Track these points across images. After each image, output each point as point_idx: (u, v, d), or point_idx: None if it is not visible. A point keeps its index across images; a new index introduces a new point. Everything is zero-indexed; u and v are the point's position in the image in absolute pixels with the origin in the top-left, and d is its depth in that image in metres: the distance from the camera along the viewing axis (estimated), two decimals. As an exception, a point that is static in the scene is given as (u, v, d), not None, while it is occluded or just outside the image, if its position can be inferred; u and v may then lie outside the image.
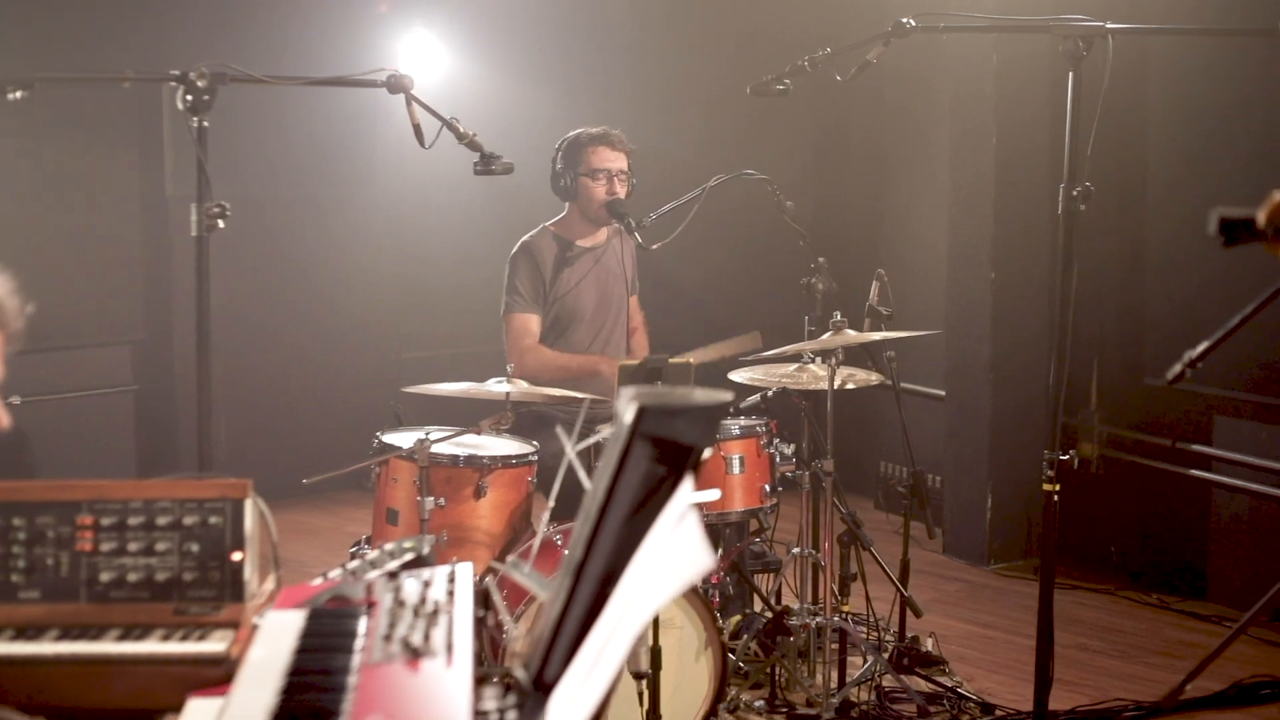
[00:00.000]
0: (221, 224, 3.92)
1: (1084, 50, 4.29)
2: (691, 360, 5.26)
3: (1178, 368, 2.78)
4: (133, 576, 3.11)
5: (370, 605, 2.58)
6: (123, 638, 2.99)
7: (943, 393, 7.29)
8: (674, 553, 2.10)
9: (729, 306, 7.90)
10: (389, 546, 3.03)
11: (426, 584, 2.63)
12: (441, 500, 4.71)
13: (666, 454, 2.29)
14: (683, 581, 2.08)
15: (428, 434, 4.72)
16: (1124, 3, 5.58)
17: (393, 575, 2.79)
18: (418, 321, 8.76)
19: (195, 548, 3.13)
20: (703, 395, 2.31)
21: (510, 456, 4.91)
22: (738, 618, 5.42)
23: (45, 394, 7.60)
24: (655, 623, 4.34)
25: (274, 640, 2.46)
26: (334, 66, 7.95)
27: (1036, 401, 6.65)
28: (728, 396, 2.36)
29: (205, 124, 3.84)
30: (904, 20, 4.46)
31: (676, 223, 5.25)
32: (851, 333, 4.88)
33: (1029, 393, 6.78)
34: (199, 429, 3.97)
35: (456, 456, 4.82)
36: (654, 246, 5.31)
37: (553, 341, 5.55)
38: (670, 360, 4.53)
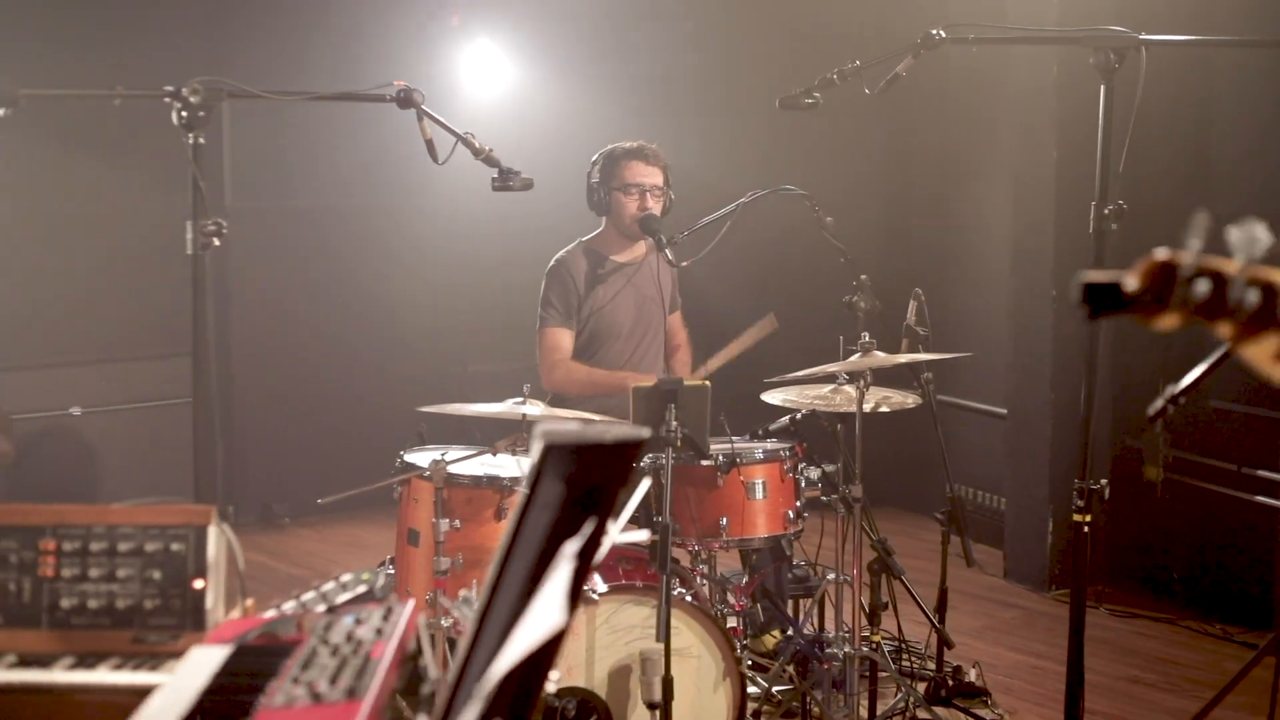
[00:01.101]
0: (217, 241, 3.85)
1: (1115, 63, 4.11)
2: (711, 367, 5.16)
3: (1159, 403, 2.61)
4: (93, 603, 3.06)
5: (299, 643, 2.49)
6: (74, 666, 2.94)
7: (1005, 411, 7.09)
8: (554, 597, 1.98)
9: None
10: (345, 578, 2.95)
11: (359, 622, 2.54)
12: (457, 522, 4.62)
13: (577, 494, 2.19)
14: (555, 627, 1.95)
15: (444, 454, 4.64)
16: (1188, 14, 5.39)
17: (333, 610, 2.71)
18: (485, 334, 8.70)
19: (157, 575, 3.08)
20: (617, 432, 2.20)
21: (535, 477, 4.81)
22: (778, 634, 5.30)
23: (106, 405, 7.64)
24: (668, 652, 4.23)
25: (188, 677, 2.38)
26: (395, 78, 8.03)
27: (1101, 421, 6.44)
28: (644, 433, 2.25)
29: (201, 140, 3.79)
30: (933, 32, 4.32)
31: (715, 239, 5.13)
32: (880, 354, 4.73)
33: (1094, 410, 6.56)
34: (194, 446, 3.92)
35: (478, 477, 4.73)
36: (684, 264, 5.20)
37: (589, 357, 5.46)
38: (685, 382, 4.40)
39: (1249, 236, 1.57)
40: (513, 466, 4.88)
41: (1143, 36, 4.10)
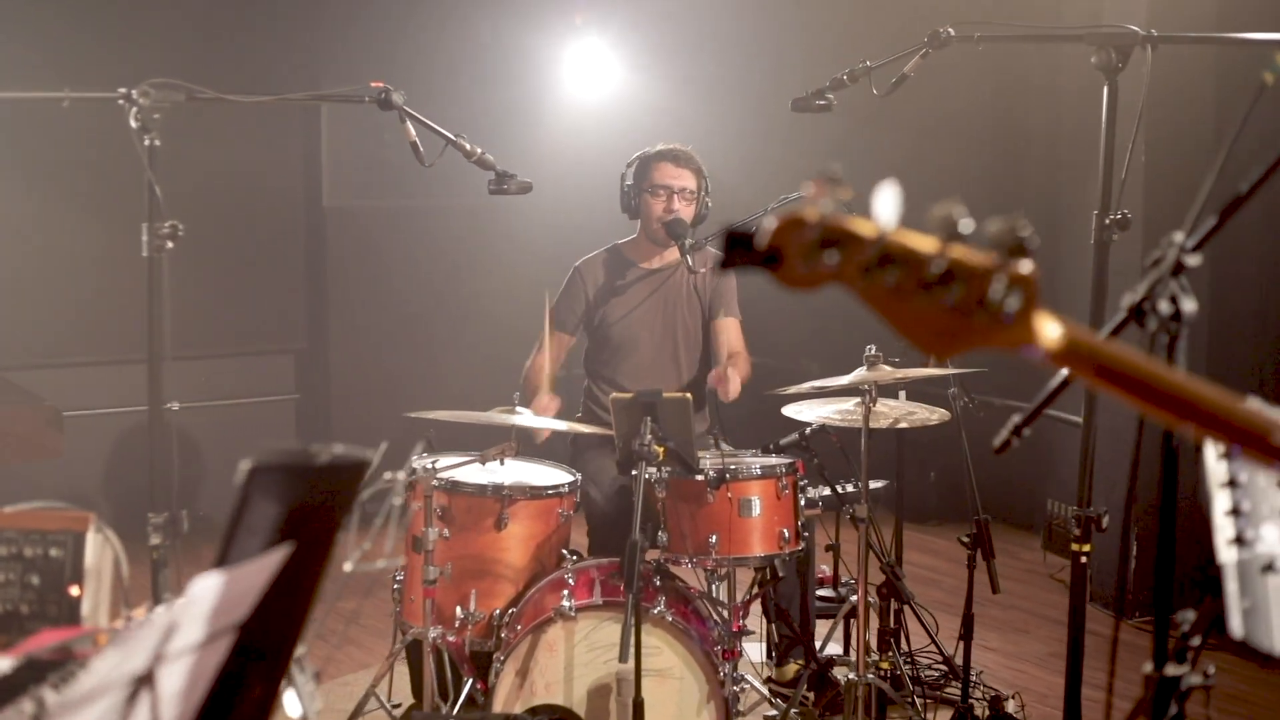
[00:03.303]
0: (171, 245, 3.82)
1: (1119, 62, 3.85)
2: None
3: (1005, 434, 2.40)
4: (-27, 607, 3.05)
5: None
6: (-65, 671, 2.92)
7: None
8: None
9: (811, 331, 7.64)
10: (198, 591, 2.88)
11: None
12: (446, 532, 4.55)
13: (293, 517, 2.09)
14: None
15: (434, 462, 4.57)
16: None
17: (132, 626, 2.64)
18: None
19: (35, 580, 3.05)
20: (330, 454, 2.09)
21: (541, 487, 4.72)
22: (801, 663, 5.11)
23: (204, 400, 7.75)
24: (638, 673, 4.09)
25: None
26: (505, 76, 8.01)
27: (1189, 449, 6.09)
28: (368, 455, 2.13)
29: (157, 143, 3.75)
30: (940, 30, 4.12)
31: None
32: (886, 368, 4.52)
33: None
34: (150, 451, 3.89)
35: (482, 486, 4.66)
36: (701, 270, 5.05)
37: (614, 368, 5.33)
38: (665, 395, 4.26)
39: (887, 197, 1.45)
40: (529, 474, 4.82)
41: (1150, 34, 3.83)
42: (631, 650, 4.04)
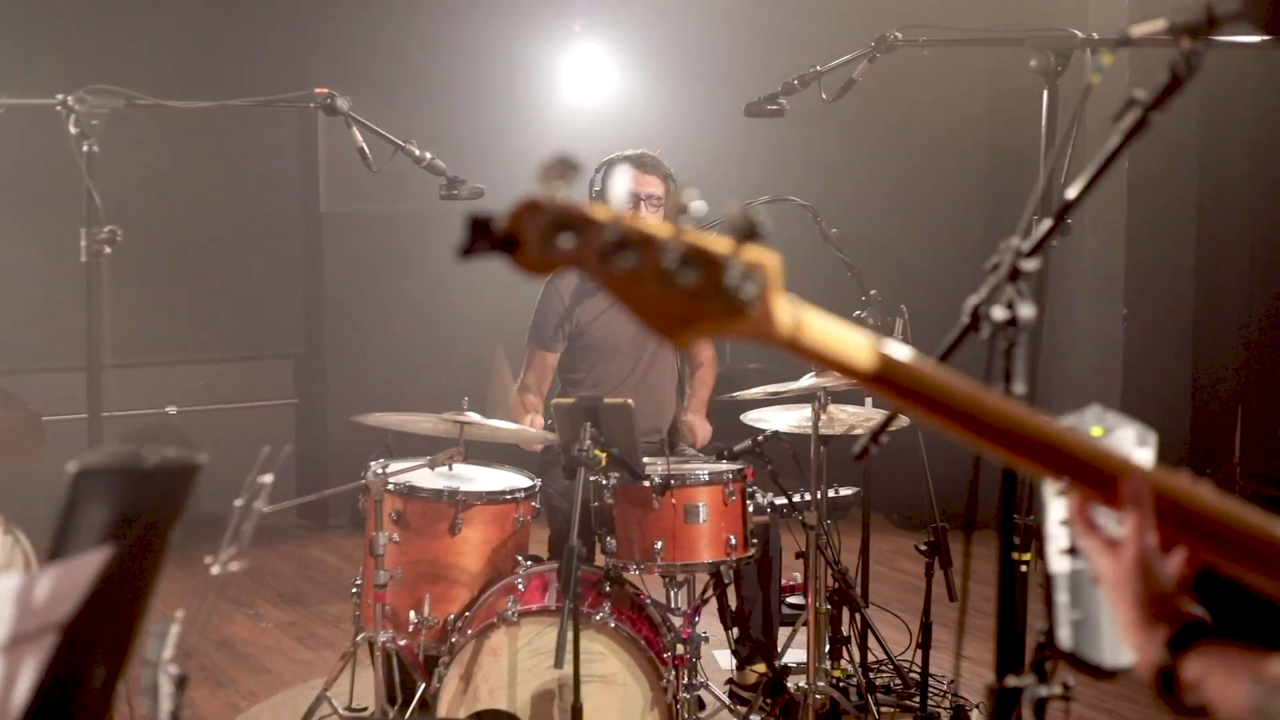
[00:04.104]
0: (109, 250, 3.83)
1: (1058, 66, 3.81)
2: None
3: (864, 440, 2.38)
4: (-121, 609, 3.07)
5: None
6: None
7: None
8: None
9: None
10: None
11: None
12: (396, 536, 4.56)
13: (125, 521, 2.09)
14: None
15: (385, 466, 4.58)
16: None
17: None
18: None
19: (-58, 582, 3.07)
20: (158, 458, 2.10)
21: (497, 492, 4.72)
22: (763, 668, 5.08)
23: (208, 404, 7.80)
24: (577, 678, 4.08)
25: None
26: (503, 82, 8.02)
27: (1177, 445, 6.05)
28: (198, 459, 2.14)
29: (95, 149, 3.77)
30: (888, 34, 4.10)
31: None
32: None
33: (1166, 438, 6.13)
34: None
35: (438, 490, 4.66)
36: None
37: (587, 373, 5.32)
38: (605, 400, 4.24)
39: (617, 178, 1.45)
40: (473, 479, 4.81)
41: (1089, 36, 3.79)
42: (568, 656, 4.02)
